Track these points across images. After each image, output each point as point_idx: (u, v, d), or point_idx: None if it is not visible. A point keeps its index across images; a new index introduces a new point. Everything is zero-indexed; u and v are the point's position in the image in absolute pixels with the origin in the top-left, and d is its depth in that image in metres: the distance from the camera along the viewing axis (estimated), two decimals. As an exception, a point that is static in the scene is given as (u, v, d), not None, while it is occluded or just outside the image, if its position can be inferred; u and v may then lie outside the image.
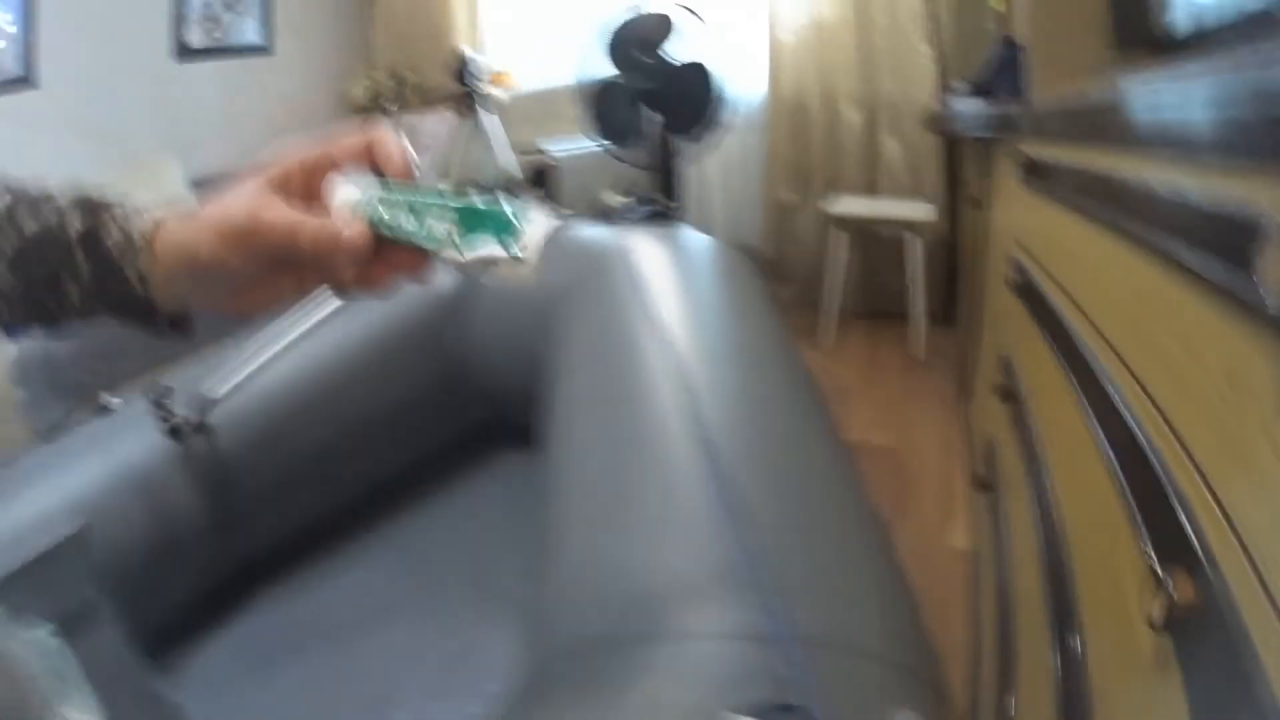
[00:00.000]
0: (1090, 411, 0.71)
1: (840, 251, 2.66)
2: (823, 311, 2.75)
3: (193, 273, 0.42)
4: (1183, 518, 0.44)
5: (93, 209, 0.45)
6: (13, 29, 2.62)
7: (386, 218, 0.40)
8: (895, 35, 2.76)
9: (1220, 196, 0.42)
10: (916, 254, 2.51)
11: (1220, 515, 0.39)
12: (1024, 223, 1.23)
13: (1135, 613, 0.51)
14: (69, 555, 0.83)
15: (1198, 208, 0.46)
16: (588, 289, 1.25)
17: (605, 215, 2.20)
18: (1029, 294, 1.09)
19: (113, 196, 0.47)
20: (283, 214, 0.41)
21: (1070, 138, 0.92)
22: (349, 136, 0.44)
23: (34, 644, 0.77)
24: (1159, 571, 0.44)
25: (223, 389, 1.10)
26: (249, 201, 0.41)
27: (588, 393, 1.05)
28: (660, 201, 2.29)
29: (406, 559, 1.22)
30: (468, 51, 2.36)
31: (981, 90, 1.54)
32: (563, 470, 0.95)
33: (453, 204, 0.39)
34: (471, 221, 0.38)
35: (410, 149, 0.43)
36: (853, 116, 2.88)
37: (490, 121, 2.46)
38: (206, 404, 1.08)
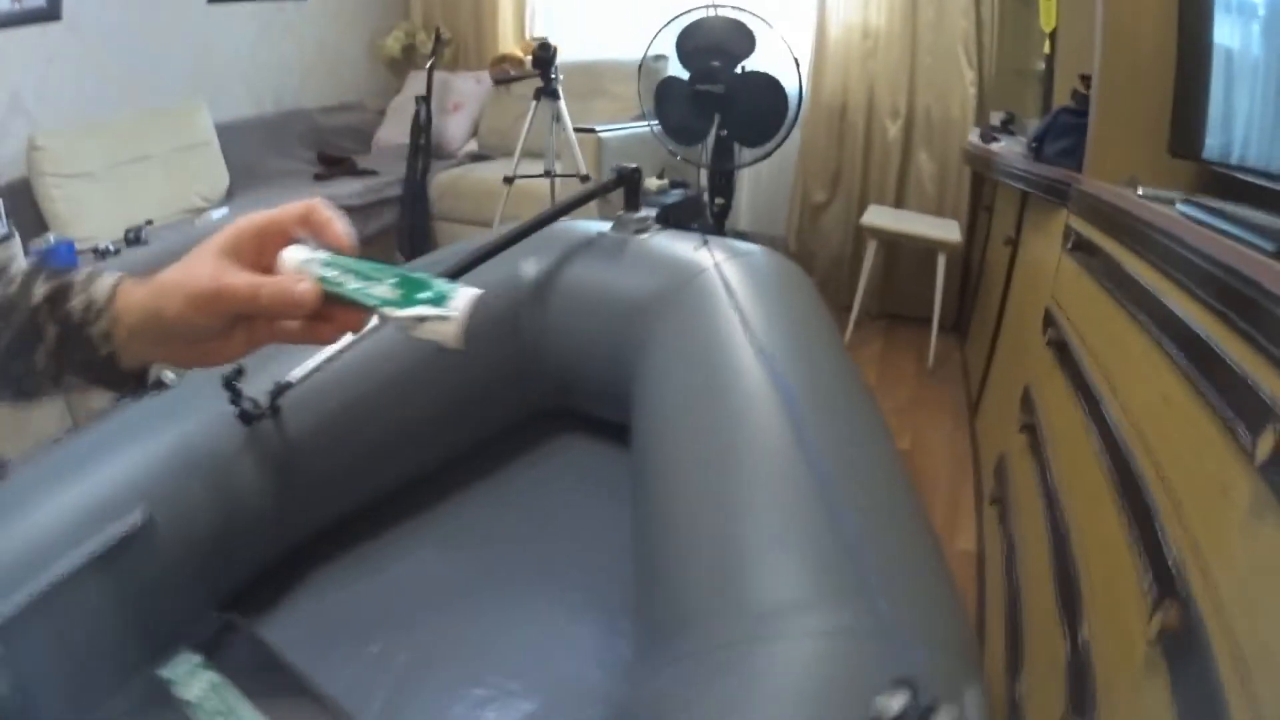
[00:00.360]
0: (1107, 460, 0.93)
1: (870, 257, 2.88)
2: (848, 311, 2.98)
3: (157, 331, 0.48)
4: (1173, 563, 0.69)
5: (53, 277, 0.50)
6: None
7: (331, 276, 0.46)
8: (941, 54, 2.97)
9: (1236, 356, 0.66)
10: (941, 270, 2.74)
11: (1199, 573, 0.64)
12: (1062, 285, 1.45)
13: (1134, 627, 0.76)
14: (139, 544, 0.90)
15: (1230, 368, 0.66)
16: (673, 296, 1.34)
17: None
18: (1060, 347, 1.33)
19: (73, 272, 0.51)
20: (243, 276, 0.46)
21: (1119, 237, 1.13)
22: (290, 207, 0.49)
23: (194, 682, 0.93)
24: (1154, 593, 0.69)
25: (297, 374, 1.13)
26: (210, 268, 0.46)
27: (682, 394, 1.13)
28: (701, 190, 2.46)
29: (473, 542, 1.27)
30: (550, 39, 2.46)
31: (1034, 142, 1.75)
32: (658, 468, 1.04)
33: (394, 273, 0.46)
34: (410, 287, 0.44)
35: (343, 220, 0.49)
36: (890, 127, 3.09)
37: (564, 113, 2.57)
38: (279, 388, 1.11)
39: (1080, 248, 1.35)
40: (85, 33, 2.80)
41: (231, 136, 3.18)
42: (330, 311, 0.47)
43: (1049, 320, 1.44)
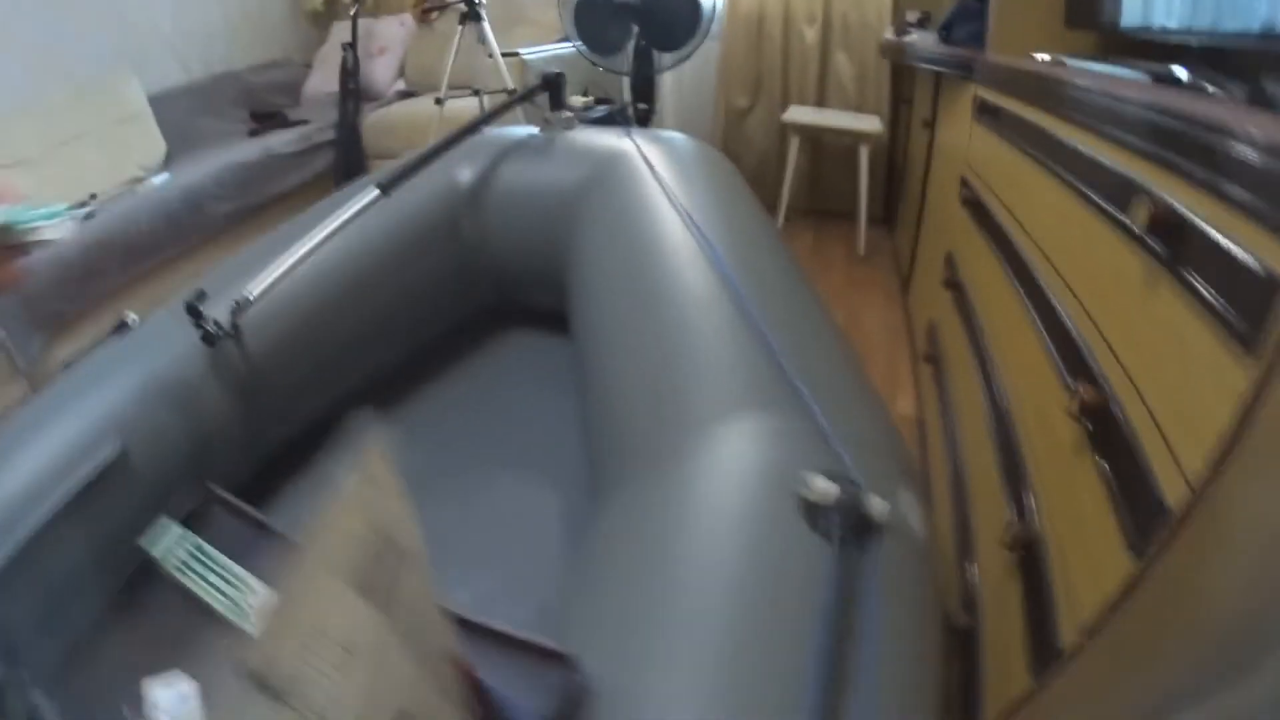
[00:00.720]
0: (1021, 289, 1.00)
1: (794, 154, 2.91)
2: (775, 209, 3.00)
3: None
4: (1083, 349, 0.75)
5: None
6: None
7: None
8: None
9: (1117, 163, 0.71)
10: (864, 162, 2.77)
11: (1108, 349, 0.70)
12: (973, 149, 1.50)
13: (1058, 419, 0.81)
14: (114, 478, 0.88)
15: (1103, 166, 0.74)
16: (599, 181, 1.37)
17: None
18: (975, 206, 1.38)
19: None
20: None
21: (1016, 93, 1.19)
22: None
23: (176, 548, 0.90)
24: (1070, 383, 0.74)
25: (255, 291, 1.10)
26: None
27: (612, 265, 1.17)
28: (626, 104, 2.46)
29: (433, 438, 1.27)
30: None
31: (943, 29, 1.79)
32: (596, 330, 1.09)
33: None
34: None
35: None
36: (807, 33, 3.08)
37: (489, 34, 2.56)
38: (239, 307, 1.09)
39: (986, 112, 1.41)
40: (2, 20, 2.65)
41: (165, 106, 3.06)
42: None
43: (964, 184, 1.48)
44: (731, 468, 0.72)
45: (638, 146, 1.44)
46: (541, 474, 1.19)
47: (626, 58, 2.42)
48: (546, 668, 0.51)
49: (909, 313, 2.33)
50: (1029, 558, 0.80)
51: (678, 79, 3.36)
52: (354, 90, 3.15)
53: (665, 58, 2.36)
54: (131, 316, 1.15)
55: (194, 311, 1.05)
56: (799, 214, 3.27)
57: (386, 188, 1.29)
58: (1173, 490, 0.54)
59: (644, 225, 1.20)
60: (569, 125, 1.60)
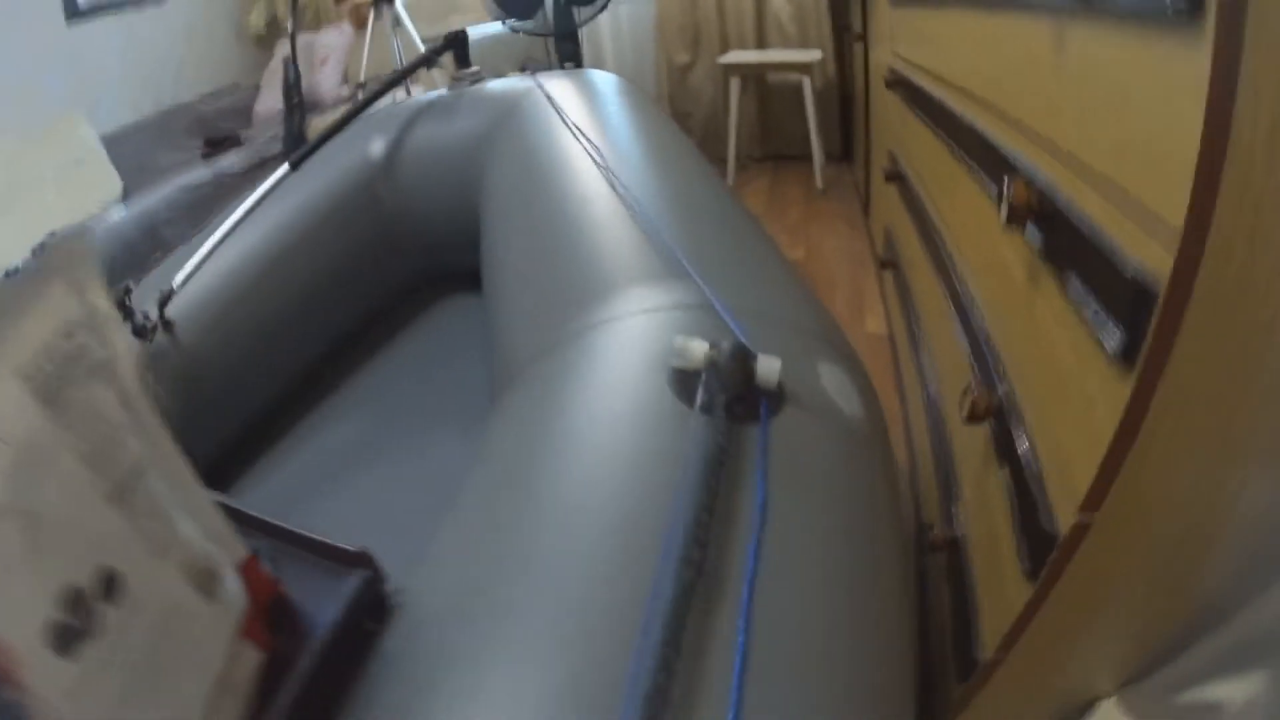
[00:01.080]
0: (956, 144, 0.88)
1: (736, 96, 2.78)
2: (725, 157, 2.88)
3: None
4: (1009, 159, 0.63)
5: None
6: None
7: None
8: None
9: None
10: (809, 93, 2.63)
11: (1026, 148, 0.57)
12: (895, 35, 1.37)
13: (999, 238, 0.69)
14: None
15: None
16: (506, 127, 1.29)
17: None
18: (900, 85, 1.25)
19: None
20: None
21: None
22: None
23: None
24: (1005, 189, 0.62)
25: (178, 280, 1.07)
26: None
27: (515, 200, 1.09)
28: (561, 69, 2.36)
29: (372, 412, 1.23)
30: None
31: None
32: (499, 277, 1.01)
33: None
34: None
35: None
36: (737, -25, 2.94)
37: (403, 16, 2.46)
38: (164, 296, 1.05)
39: None
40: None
41: (119, 144, 2.97)
42: None
43: (891, 71, 1.36)
44: (606, 356, 0.61)
45: (540, 86, 1.37)
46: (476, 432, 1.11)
47: (547, 20, 2.30)
48: (345, 570, 0.43)
49: (871, 236, 2.20)
50: (1002, 432, 0.68)
51: (617, 41, 3.23)
52: (298, 103, 3.03)
53: (583, 11, 2.24)
54: None
55: (122, 307, 1.00)
56: (754, 162, 3.14)
57: (295, 163, 1.24)
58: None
59: (542, 157, 1.12)
60: (476, 79, 1.53)
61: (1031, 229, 0.56)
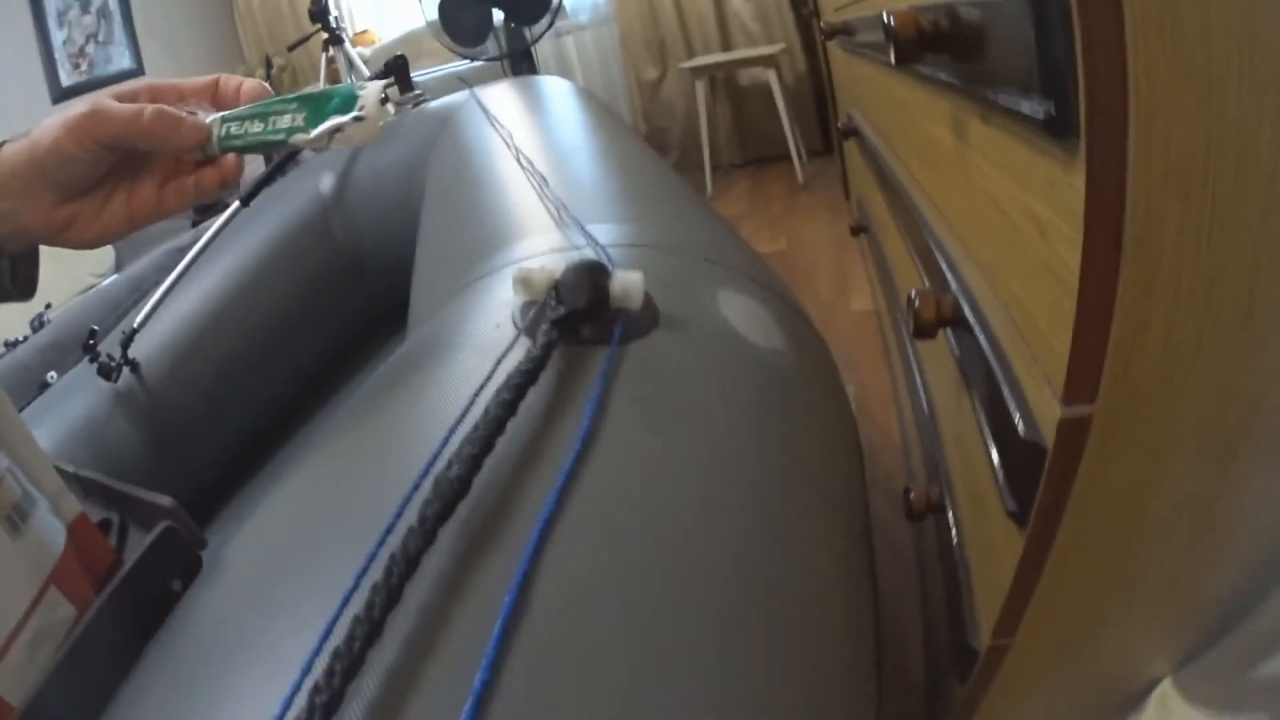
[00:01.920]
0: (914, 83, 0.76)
1: (704, 99, 2.68)
2: (702, 165, 2.77)
3: (28, 176, 0.39)
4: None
5: None
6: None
7: (232, 130, 0.40)
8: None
9: None
10: (776, 86, 2.52)
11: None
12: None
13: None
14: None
15: None
16: (440, 141, 1.23)
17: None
18: (844, 32, 1.13)
19: None
20: (126, 104, 0.39)
21: None
22: (195, 79, 0.43)
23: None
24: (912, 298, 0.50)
25: (138, 319, 1.08)
26: (91, 101, 0.40)
27: (437, 207, 1.04)
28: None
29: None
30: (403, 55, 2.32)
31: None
32: (418, 266, 0.96)
33: (294, 98, 0.39)
34: (315, 106, 0.38)
35: (266, 87, 0.43)
36: (694, -17, 2.86)
37: (352, 53, 2.42)
38: (126, 336, 1.05)
39: None
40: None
41: None
42: (215, 160, 0.42)
43: (828, 24, 1.23)
44: (472, 307, 0.50)
45: (474, 95, 1.34)
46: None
47: (500, 45, 2.22)
48: (153, 519, 0.39)
49: (851, 212, 2.07)
50: (960, 341, 0.54)
51: (585, 65, 3.16)
52: (278, 163, 3.01)
53: (536, 28, 2.16)
54: (51, 375, 1.18)
55: (87, 348, 1.04)
56: (735, 168, 3.02)
57: (246, 199, 1.25)
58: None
59: (465, 156, 1.07)
60: (418, 102, 1.51)
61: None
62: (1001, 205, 0.39)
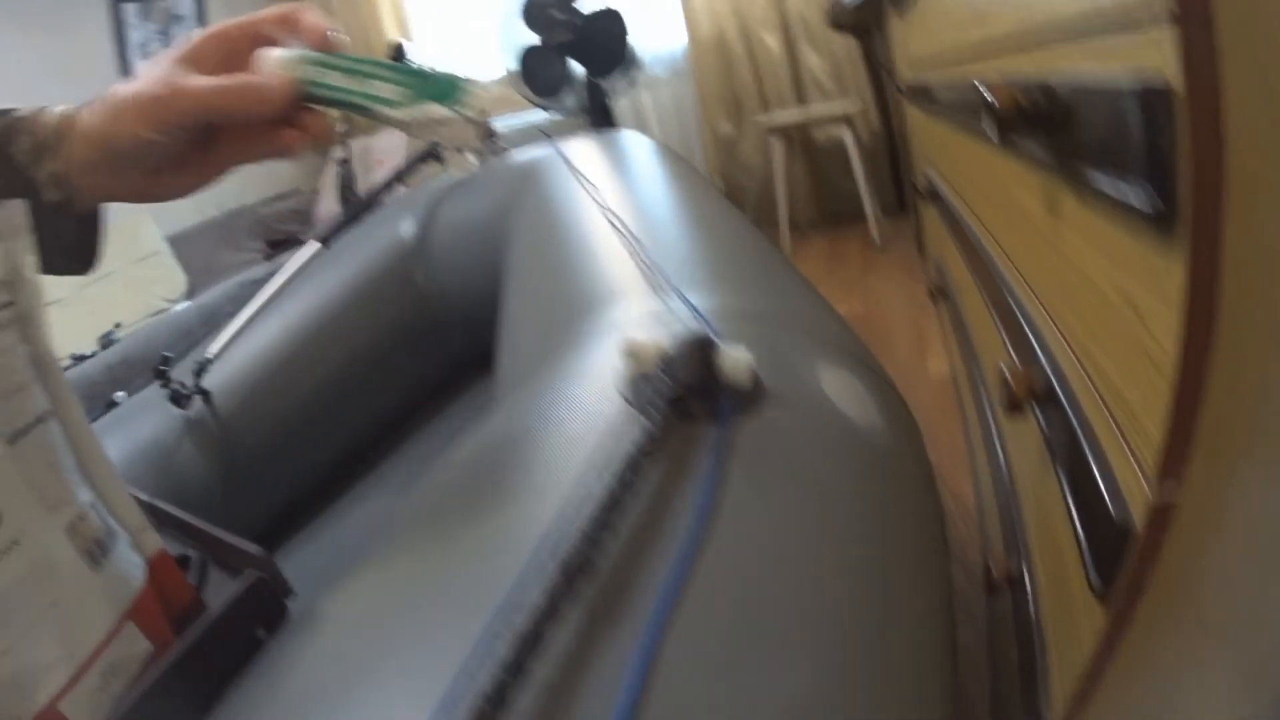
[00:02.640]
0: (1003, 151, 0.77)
1: (780, 157, 2.71)
2: (777, 222, 2.80)
3: (110, 158, 0.39)
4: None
5: None
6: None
7: (314, 78, 0.38)
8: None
9: None
10: (851, 143, 2.55)
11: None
12: (908, 42, 1.28)
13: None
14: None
15: None
16: (524, 196, 1.25)
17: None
18: (923, 94, 1.15)
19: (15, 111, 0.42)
20: (200, 79, 0.38)
21: None
22: (265, 10, 0.41)
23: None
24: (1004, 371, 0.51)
25: (213, 350, 1.11)
26: (164, 74, 0.38)
27: (525, 265, 1.05)
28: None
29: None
30: (401, 40, 2.42)
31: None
32: (505, 324, 0.96)
33: (396, 68, 0.37)
34: (415, 84, 0.37)
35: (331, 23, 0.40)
36: (770, 41, 2.92)
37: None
38: (199, 366, 1.09)
39: None
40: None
41: (184, 244, 3.19)
42: (301, 118, 0.39)
43: (912, 84, 1.25)
44: (570, 373, 0.51)
45: (557, 148, 1.36)
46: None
47: (578, 96, 2.30)
48: (240, 564, 0.42)
49: (926, 273, 2.07)
50: (1050, 418, 0.54)
51: (662, 120, 3.24)
52: (353, 202, 3.13)
53: (615, 82, 2.24)
54: (120, 394, 1.21)
55: (160, 374, 1.07)
56: (811, 227, 3.05)
57: (326, 239, 1.29)
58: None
59: (552, 213, 1.09)
60: (499, 153, 1.52)
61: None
62: (1095, 282, 0.40)
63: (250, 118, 0.39)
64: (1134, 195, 0.30)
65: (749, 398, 0.41)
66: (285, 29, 0.40)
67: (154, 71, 0.38)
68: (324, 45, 0.39)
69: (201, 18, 3.54)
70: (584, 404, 0.43)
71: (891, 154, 2.88)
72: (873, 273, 2.37)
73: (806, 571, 0.32)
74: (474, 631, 0.27)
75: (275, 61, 0.38)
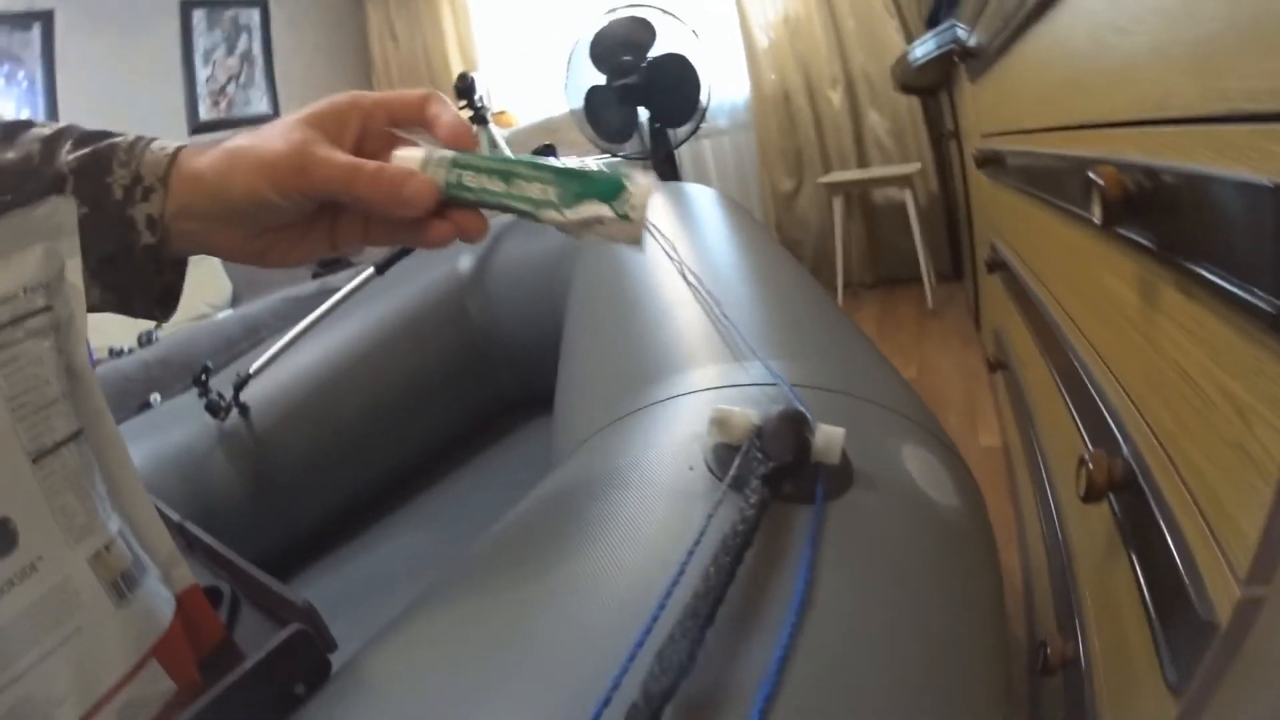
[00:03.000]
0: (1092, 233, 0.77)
1: (840, 217, 2.71)
2: (833, 282, 2.80)
3: (217, 209, 0.37)
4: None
5: (86, 142, 0.38)
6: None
7: (464, 180, 0.37)
8: (862, 14, 2.84)
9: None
10: (911, 206, 2.55)
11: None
12: (979, 108, 1.28)
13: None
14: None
15: None
16: (596, 246, 1.25)
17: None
18: (990, 161, 1.14)
19: (111, 136, 0.39)
20: (338, 154, 0.36)
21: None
22: (404, 93, 0.40)
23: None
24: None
25: (254, 365, 1.11)
26: (296, 136, 0.36)
27: (591, 309, 1.04)
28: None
29: (447, 525, 1.17)
30: (470, 73, 2.47)
31: (930, 17, 1.62)
32: (568, 371, 0.94)
33: (548, 168, 0.36)
34: (570, 183, 0.35)
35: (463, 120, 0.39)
36: (834, 98, 2.94)
37: (498, 135, 2.56)
38: (240, 380, 1.09)
39: (970, 57, 1.19)
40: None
41: (240, 274, 3.21)
42: (448, 212, 0.38)
43: (979, 151, 1.25)
44: (652, 435, 0.50)
45: None
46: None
47: (643, 142, 2.34)
48: (281, 612, 0.40)
49: (983, 345, 2.05)
50: (1128, 508, 0.53)
51: (721, 171, 3.27)
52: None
53: (680, 131, 2.26)
54: (155, 396, 1.24)
55: (199, 382, 1.07)
56: (865, 288, 3.04)
57: (382, 268, 1.29)
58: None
59: (620, 261, 1.07)
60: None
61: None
62: (1192, 377, 0.39)
63: (390, 211, 0.37)
64: (1255, 298, 0.29)
65: (841, 477, 0.40)
66: (419, 116, 0.39)
67: (284, 131, 0.36)
68: (456, 144, 0.38)
69: (266, 27, 3.66)
70: (667, 471, 0.42)
71: (949, 218, 2.87)
72: (927, 339, 2.35)
73: (899, 658, 0.31)
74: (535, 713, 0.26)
75: (417, 163, 0.37)
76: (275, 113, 3.70)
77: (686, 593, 0.29)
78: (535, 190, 0.35)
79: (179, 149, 0.38)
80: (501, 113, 3.65)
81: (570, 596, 0.33)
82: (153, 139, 0.39)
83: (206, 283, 3.08)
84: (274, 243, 0.39)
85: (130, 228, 0.36)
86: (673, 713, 0.25)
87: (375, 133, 0.39)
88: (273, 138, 0.36)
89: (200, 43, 3.40)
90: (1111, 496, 0.52)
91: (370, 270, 1.29)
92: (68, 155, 0.37)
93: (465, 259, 1.40)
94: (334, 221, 0.39)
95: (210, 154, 0.37)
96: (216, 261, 3.13)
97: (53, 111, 2.82)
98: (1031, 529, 0.96)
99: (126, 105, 3.09)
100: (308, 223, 0.39)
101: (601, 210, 0.34)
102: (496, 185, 0.36)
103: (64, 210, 0.33)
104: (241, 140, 0.37)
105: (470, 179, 0.37)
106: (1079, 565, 0.65)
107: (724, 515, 0.34)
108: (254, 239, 0.38)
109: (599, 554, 0.35)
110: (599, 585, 0.33)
